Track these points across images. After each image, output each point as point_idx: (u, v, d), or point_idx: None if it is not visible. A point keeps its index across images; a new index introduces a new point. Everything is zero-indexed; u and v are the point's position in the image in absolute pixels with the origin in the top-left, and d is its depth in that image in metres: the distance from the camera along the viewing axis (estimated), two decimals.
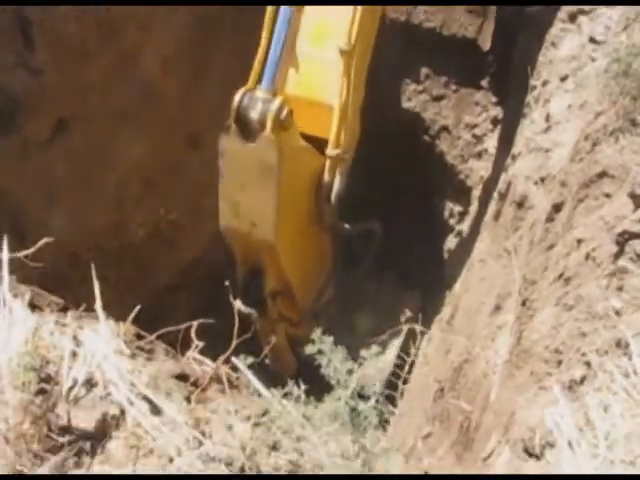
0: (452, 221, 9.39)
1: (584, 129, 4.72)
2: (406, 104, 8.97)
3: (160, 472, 2.69)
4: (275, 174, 5.26)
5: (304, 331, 6.82)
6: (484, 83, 8.55)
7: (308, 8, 5.49)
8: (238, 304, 5.61)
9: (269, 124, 5.07)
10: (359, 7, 5.39)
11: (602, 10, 5.79)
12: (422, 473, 4.53)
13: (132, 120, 7.14)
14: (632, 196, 3.17)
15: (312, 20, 5.52)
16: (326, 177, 5.75)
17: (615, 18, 5.62)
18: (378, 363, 3.18)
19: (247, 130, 5.20)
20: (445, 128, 8.86)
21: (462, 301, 6.13)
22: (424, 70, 8.71)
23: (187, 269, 8.14)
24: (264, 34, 5.36)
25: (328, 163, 5.71)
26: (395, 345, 8.01)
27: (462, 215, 9.14)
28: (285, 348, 6.67)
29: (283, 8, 5.30)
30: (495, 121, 8.51)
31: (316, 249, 6.37)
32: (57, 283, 5.29)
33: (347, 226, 6.35)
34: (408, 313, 8.16)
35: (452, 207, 9.32)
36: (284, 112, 5.09)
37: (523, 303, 4.00)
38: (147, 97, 7.21)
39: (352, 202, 6.22)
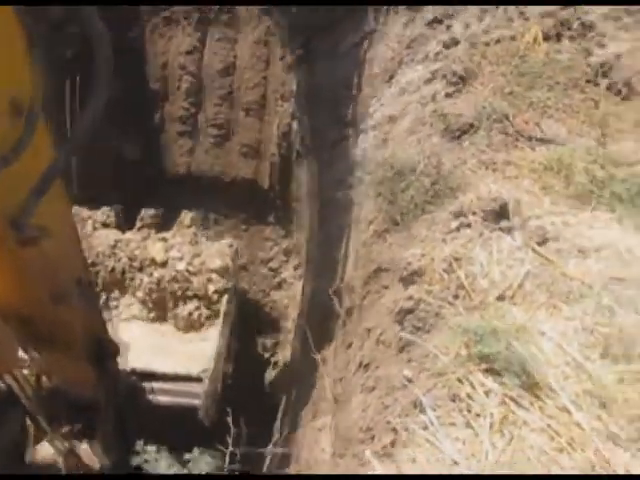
0: (267, 354, 9.63)
1: (361, 238, 5.28)
2: None
3: None
4: None
5: None
6: (271, 219, 9.11)
7: None
8: None
9: None
10: None
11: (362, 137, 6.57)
12: None
13: None
14: (402, 280, 3.62)
15: None
16: None
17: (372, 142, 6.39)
18: None
19: None
20: (242, 267, 9.24)
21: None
22: (212, 216, 9.13)
23: None
24: None
25: None
26: None
27: (275, 345, 9.41)
28: None
29: None
30: (287, 252, 9.03)
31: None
32: None
33: None
34: None
35: (264, 341, 9.59)
36: None
37: (335, 400, 4.30)
38: None
39: None
